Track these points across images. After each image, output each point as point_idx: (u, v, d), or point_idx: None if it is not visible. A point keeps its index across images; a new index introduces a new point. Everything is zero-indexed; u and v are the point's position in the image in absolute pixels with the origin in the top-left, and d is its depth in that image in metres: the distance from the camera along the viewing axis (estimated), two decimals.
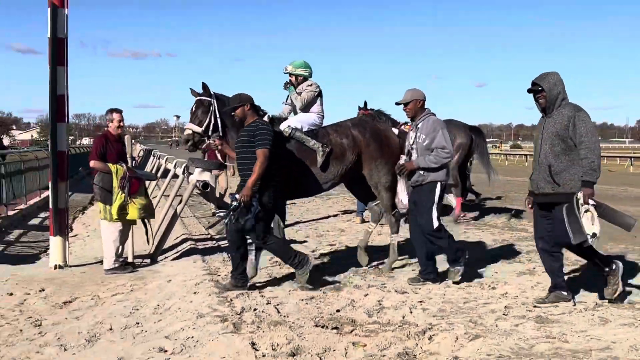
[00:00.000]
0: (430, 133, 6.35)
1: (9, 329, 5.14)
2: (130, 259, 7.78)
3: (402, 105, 6.48)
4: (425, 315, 5.36)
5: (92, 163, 7.46)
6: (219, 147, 6.75)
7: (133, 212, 7.31)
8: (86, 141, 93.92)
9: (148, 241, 8.17)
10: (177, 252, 8.49)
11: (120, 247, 7.50)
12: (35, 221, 14.28)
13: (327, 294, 6.12)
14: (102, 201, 7.42)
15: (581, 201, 5.18)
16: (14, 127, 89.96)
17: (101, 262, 7.61)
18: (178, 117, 78.95)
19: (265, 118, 6.65)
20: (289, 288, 6.31)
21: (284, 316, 5.34)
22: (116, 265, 7.35)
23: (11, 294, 6.32)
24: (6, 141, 52.08)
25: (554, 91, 5.42)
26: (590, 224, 5.15)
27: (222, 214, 6.71)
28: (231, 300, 5.80)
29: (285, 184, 6.47)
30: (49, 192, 19.30)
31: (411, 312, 5.46)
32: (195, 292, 6.15)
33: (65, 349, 4.63)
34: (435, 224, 6.31)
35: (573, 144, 5.29)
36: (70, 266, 7.75)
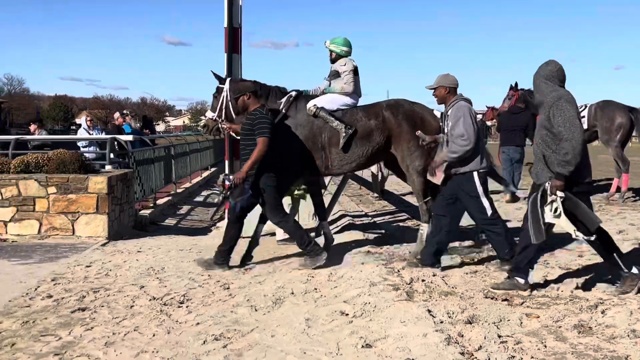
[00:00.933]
0: (454, 120, 6.08)
1: (202, 291, 5.72)
2: None
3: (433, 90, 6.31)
4: (595, 291, 5.38)
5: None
6: (228, 130, 7.00)
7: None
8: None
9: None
10: (336, 227, 8.93)
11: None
12: (199, 198, 15.39)
13: (489, 269, 6.28)
14: None
15: (548, 192, 5.02)
16: (167, 113, 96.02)
17: (271, 234, 8.15)
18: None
19: (293, 94, 6.90)
20: (449, 262, 6.54)
21: (452, 287, 5.57)
22: (286, 236, 7.87)
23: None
24: (162, 127, 55.76)
25: (555, 78, 5.24)
26: (552, 215, 5.01)
27: (216, 191, 6.89)
28: (399, 271, 6.10)
29: (309, 162, 6.74)
30: (208, 172, 20.61)
31: (579, 288, 5.50)
32: (362, 263, 6.53)
33: (255, 309, 5.11)
34: (489, 211, 6.08)
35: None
36: (243, 237, 8.38)
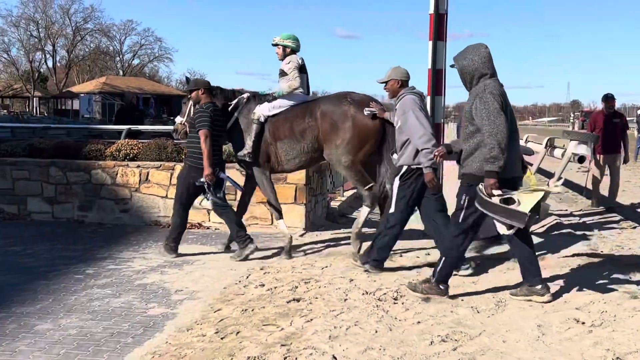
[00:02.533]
0: (400, 116, 5.81)
1: None
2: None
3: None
4: None
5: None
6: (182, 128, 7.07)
7: None
8: None
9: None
10: (542, 226, 8.32)
11: None
12: None
13: None
14: None
15: (485, 192, 4.68)
16: None
17: None
18: None
19: (245, 95, 6.99)
20: None
21: None
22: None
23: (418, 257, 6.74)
24: None
25: (470, 68, 4.86)
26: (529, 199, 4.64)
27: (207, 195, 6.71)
28: (630, 276, 5.48)
29: (263, 159, 6.85)
30: None
31: None
32: (579, 265, 5.96)
33: (477, 311, 4.77)
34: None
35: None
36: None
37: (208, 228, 8.52)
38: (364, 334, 4.28)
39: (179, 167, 8.67)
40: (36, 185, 8.90)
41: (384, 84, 6.11)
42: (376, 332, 4.33)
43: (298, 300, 5.10)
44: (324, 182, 9.68)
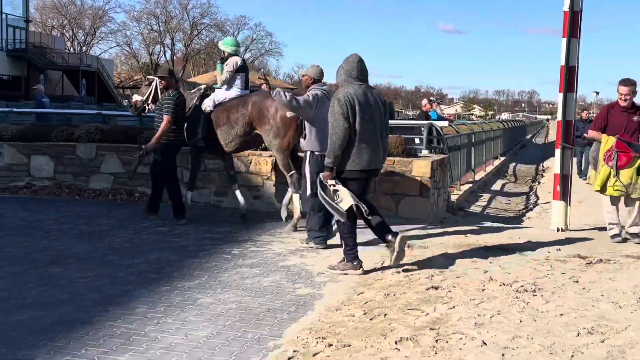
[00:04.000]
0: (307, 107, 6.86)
1: (550, 282, 5.53)
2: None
3: None
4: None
5: (589, 132, 7.59)
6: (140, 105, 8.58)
7: (610, 188, 7.09)
8: (505, 116, 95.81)
9: None
10: None
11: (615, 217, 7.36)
12: (495, 187, 15.20)
13: None
14: (594, 169, 7.49)
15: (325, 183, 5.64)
16: (439, 102, 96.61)
17: (599, 228, 7.68)
18: (597, 93, 74.71)
19: (202, 87, 8.53)
20: None
21: None
22: (615, 232, 7.32)
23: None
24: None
25: (339, 74, 5.79)
26: (349, 197, 5.59)
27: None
28: None
29: (208, 144, 8.13)
30: (499, 161, 20.27)
31: None
32: None
33: (619, 307, 4.81)
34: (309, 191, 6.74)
35: None
36: (570, 230, 8.04)
37: None
38: (509, 323, 4.44)
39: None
40: (177, 171, 9.52)
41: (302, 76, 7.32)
42: (521, 321, 4.48)
43: (436, 288, 5.31)
44: (445, 176, 9.82)
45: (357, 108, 5.58)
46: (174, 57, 67.81)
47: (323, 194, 5.70)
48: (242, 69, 8.24)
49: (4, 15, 45.76)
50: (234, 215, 8.74)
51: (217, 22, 68.14)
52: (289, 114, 7.46)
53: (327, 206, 5.74)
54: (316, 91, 6.95)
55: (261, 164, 9.21)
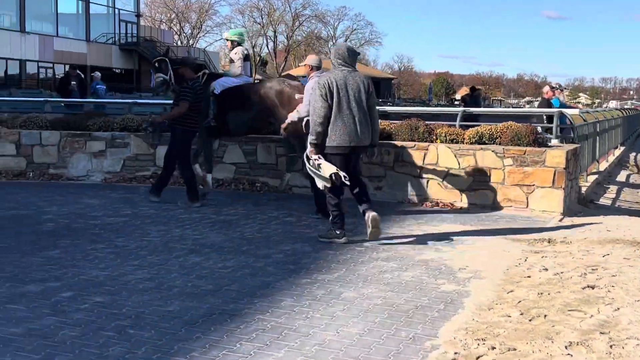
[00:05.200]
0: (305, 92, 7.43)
1: None
2: None
3: None
4: None
5: None
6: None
7: None
8: (612, 104, 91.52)
9: None
10: None
11: None
12: (620, 178, 14.35)
13: None
14: None
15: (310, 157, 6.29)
16: (542, 90, 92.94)
17: None
18: None
19: (206, 71, 8.89)
20: None
21: None
22: None
23: None
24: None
25: (333, 60, 6.42)
26: (330, 167, 6.14)
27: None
28: None
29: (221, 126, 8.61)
30: (619, 151, 19.23)
31: None
32: None
33: None
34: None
35: None
36: None
37: (461, 208, 8.55)
38: None
39: (432, 147, 8.80)
40: (298, 161, 9.50)
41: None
42: None
43: (593, 288, 4.95)
44: (577, 166, 9.29)
45: (334, 90, 6.19)
46: (276, 49, 68.80)
47: (308, 165, 6.37)
48: (247, 57, 8.97)
49: (116, 11, 47.67)
50: (356, 206, 8.59)
51: (318, 13, 68.65)
52: (297, 96, 8.03)
53: (313, 175, 6.38)
54: (317, 79, 7.13)
55: (383, 154, 9.01)
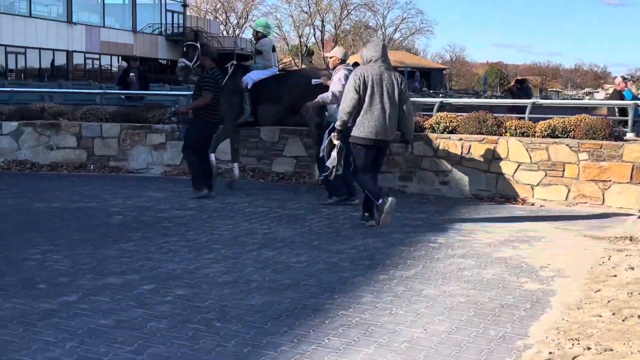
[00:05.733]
0: (337, 83, 7.65)
1: None
2: None
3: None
4: None
5: None
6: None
7: None
8: None
9: None
10: None
11: None
12: None
13: None
14: None
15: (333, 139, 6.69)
16: (602, 81, 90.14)
17: None
18: None
19: (234, 62, 8.89)
20: None
21: None
22: None
23: None
24: (601, 94, 52.34)
25: (363, 56, 6.74)
26: (334, 159, 6.65)
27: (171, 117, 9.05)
28: None
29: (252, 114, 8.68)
30: None
31: None
32: None
33: None
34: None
35: None
36: None
37: (532, 204, 8.33)
38: None
39: (502, 141, 8.59)
40: None
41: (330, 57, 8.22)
42: None
43: None
44: None
45: (369, 84, 6.40)
46: (323, 39, 68.31)
47: (325, 145, 6.93)
48: (273, 49, 9.08)
49: (163, 1, 47.59)
50: (422, 201, 8.48)
51: (367, 1, 67.62)
52: (314, 81, 8.33)
53: (324, 155, 6.90)
54: (344, 71, 7.68)
55: (450, 147, 8.84)
